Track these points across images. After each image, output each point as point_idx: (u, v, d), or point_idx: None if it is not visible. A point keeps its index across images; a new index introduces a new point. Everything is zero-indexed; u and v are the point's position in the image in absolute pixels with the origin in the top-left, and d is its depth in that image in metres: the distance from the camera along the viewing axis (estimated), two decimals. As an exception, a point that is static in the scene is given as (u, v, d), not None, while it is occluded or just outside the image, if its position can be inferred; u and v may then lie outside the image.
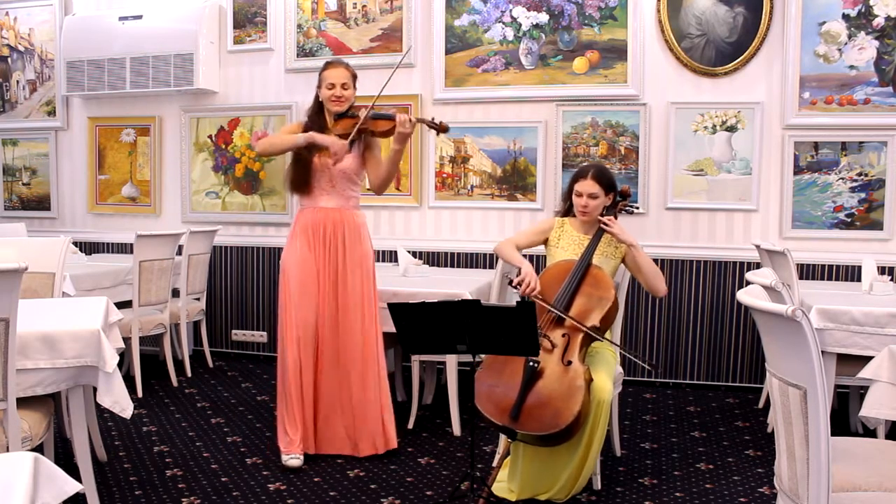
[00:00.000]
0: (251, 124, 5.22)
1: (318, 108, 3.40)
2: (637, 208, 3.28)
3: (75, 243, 5.00)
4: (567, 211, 3.21)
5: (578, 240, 3.11)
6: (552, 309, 2.88)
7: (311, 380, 3.31)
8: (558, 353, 2.77)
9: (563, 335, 2.82)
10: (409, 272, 4.01)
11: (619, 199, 3.16)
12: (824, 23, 4.30)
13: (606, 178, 3.08)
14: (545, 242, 3.20)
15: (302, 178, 3.33)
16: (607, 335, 3.06)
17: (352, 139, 3.29)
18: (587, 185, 3.04)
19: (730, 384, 4.56)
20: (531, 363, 2.71)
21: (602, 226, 3.01)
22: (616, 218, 3.07)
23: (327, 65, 3.38)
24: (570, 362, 2.74)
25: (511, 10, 4.71)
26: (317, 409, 3.35)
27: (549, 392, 2.67)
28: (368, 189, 3.53)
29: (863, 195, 4.33)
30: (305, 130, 3.34)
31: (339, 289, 3.33)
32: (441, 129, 3.28)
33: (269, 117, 5.16)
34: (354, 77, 3.39)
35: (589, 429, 2.70)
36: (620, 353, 3.25)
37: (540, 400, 2.67)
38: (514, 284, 2.99)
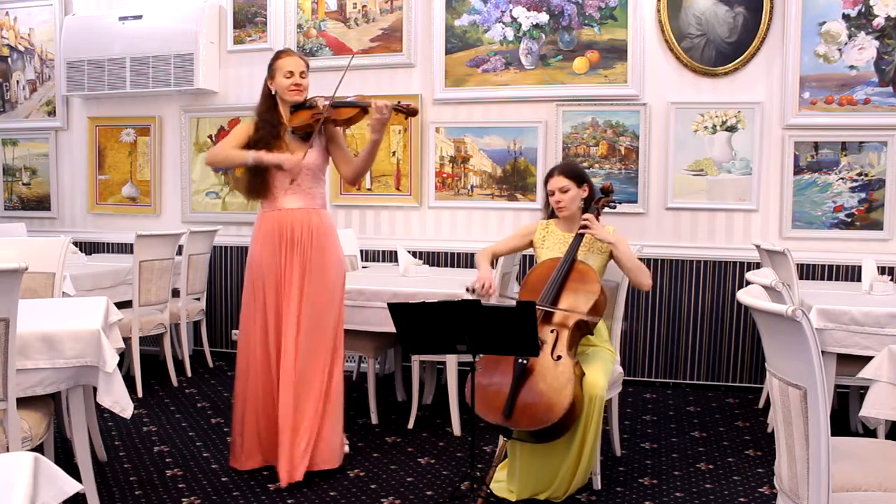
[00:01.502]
0: (251, 124, 5.21)
1: (271, 103, 3.16)
2: (619, 203, 3.27)
3: (75, 243, 5.00)
4: (552, 213, 3.24)
5: (563, 238, 3.13)
6: (539, 306, 2.88)
7: (272, 401, 3.10)
8: (548, 349, 2.78)
9: (552, 331, 2.84)
10: (409, 272, 4.01)
11: (601, 195, 3.18)
12: (824, 23, 4.30)
13: (573, 171, 3.15)
14: (531, 245, 3.22)
15: (259, 182, 3.09)
16: (602, 328, 3.08)
17: (313, 132, 3.12)
18: (556, 182, 3.11)
19: (730, 384, 4.56)
20: (521, 360, 2.73)
21: (580, 229, 3.02)
22: (599, 214, 3.10)
23: (280, 53, 3.17)
24: (559, 357, 2.75)
25: (511, 10, 4.71)
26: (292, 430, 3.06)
27: (540, 387, 2.69)
28: (359, 188, 3.48)
29: (863, 195, 4.33)
30: (257, 131, 3.11)
31: (304, 298, 3.06)
32: (409, 112, 3.11)
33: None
34: (308, 66, 3.19)
35: (583, 424, 2.71)
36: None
37: (531, 396, 2.68)
38: (469, 290, 3.05)
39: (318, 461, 3.09)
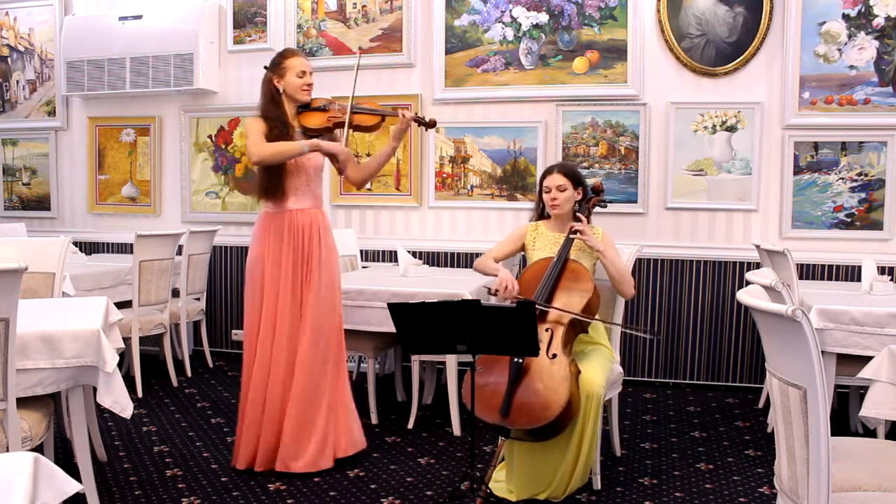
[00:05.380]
0: (251, 124, 5.21)
1: (278, 101, 3.15)
2: (608, 203, 3.28)
3: (75, 243, 5.00)
4: (541, 214, 3.24)
5: (554, 238, 3.13)
6: (536, 304, 2.88)
7: (276, 396, 3.13)
8: (543, 348, 2.79)
9: (547, 330, 2.85)
10: (409, 272, 4.01)
11: (592, 194, 3.19)
12: (824, 23, 4.30)
13: (572, 172, 3.15)
14: (523, 248, 3.22)
15: (278, 183, 3.12)
16: (601, 327, 3.08)
17: (325, 134, 3.21)
18: (554, 179, 3.10)
19: (730, 384, 4.56)
20: (517, 360, 2.73)
21: (571, 234, 3.02)
22: (590, 213, 3.11)
23: (289, 53, 3.20)
24: (554, 355, 2.76)
25: (511, 10, 4.71)
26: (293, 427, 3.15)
27: (536, 386, 2.70)
28: (360, 188, 3.49)
29: (863, 195, 4.33)
30: (271, 130, 3.08)
31: (308, 292, 3.15)
32: (429, 125, 3.26)
33: (269, 117, 5.16)
34: None
35: (580, 423, 2.71)
36: (622, 330, 3.28)
37: (528, 395, 2.69)
38: (492, 292, 3.03)
39: (345, 446, 3.23)
